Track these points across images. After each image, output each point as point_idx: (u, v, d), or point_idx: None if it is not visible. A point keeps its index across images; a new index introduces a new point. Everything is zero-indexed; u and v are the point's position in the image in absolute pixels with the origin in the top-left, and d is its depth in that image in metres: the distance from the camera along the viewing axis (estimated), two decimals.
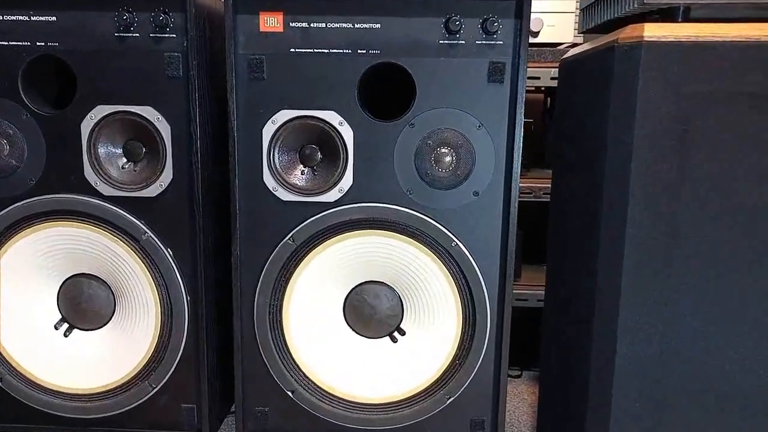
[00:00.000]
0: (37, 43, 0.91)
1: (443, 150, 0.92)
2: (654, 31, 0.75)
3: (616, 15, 0.87)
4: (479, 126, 0.91)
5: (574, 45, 1.55)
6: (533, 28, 1.44)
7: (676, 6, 0.78)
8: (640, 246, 0.79)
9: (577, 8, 1.55)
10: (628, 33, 0.77)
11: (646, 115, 0.76)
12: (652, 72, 0.75)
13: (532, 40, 1.28)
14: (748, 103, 0.75)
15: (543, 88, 1.63)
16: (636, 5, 0.79)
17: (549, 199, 1.38)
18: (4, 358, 1.00)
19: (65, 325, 1.02)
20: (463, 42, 0.89)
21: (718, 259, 0.79)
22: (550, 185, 1.39)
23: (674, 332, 0.81)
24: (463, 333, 0.97)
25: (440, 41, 0.89)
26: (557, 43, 1.52)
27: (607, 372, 0.83)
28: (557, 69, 1.43)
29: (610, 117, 0.78)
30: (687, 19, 0.79)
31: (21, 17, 0.90)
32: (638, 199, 0.78)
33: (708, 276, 0.79)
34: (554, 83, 1.43)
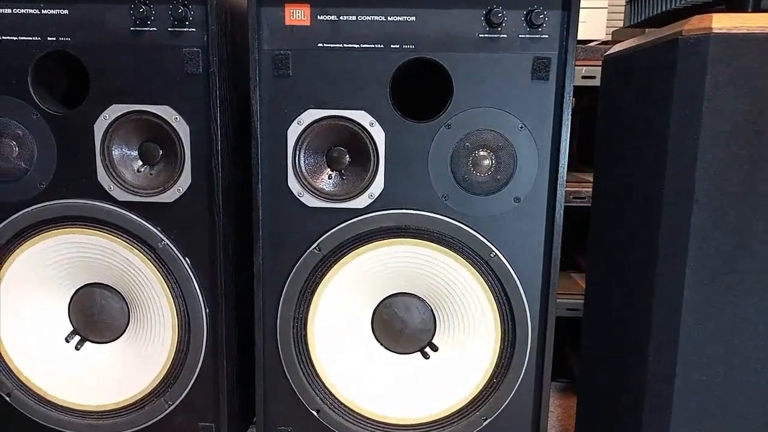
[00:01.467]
0: (48, 38, 0.85)
1: (482, 153, 0.85)
2: (723, 22, 0.68)
3: (674, 6, 0.80)
4: (521, 127, 0.84)
5: (606, 42, 1.48)
6: None
7: None
8: (704, 260, 0.72)
9: (609, 3, 1.48)
10: (694, 24, 0.69)
11: (714, 113, 0.69)
12: (721, 66, 0.68)
13: None
14: None
15: None
16: None
17: (578, 204, 1.32)
18: (12, 372, 0.95)
19: (77, 338, 0.96)
20: (505, 36, 0.82)
21: None
22: (579, 189, 1.33)
23: (741, 356, 0.74)
24: (502, 350, 0.90)
25: (480, 35, 0.82)
26: (588, 40, 1.45)
27: (664, 397, 0.76)
28: (589, 67, 1.37)
29: (673, 116, 0.71)
30: (757, 8, 0.72)
31: (31, 10, 0.84)
32: (703, 207, 0.71)
33: None
34: (585, 82, 1.36)
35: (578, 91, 1.67)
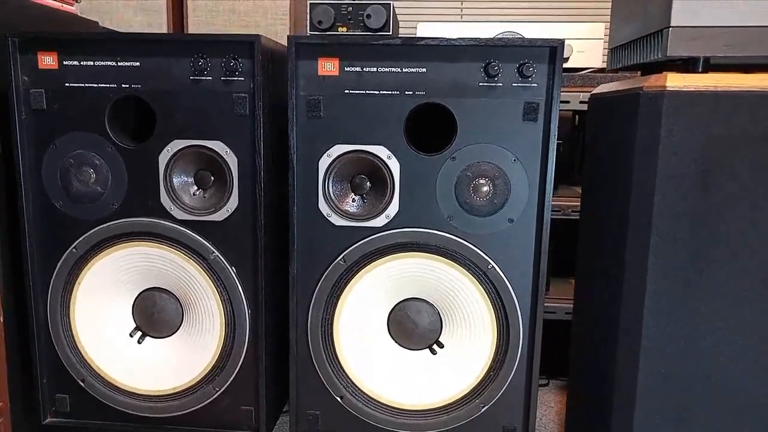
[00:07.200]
0: (123, 85, 1.03)
1: (481, 181, 1.01)
2: (676, 82, 0.83)
3: (641, 61, 0.96)
4: (515, 159, 1.00)
5: (602, 70, 1.63)
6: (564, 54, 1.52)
7: (697, 57, 0.86)
8: (662, 271, 0.87)
9: (606, 35, 1.63)
10: (652, 82, 0.85)
11: (669, 156, 0.85)
12: (673, 118, 0.84)
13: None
14: (764, 146, 0.83)
15: None
16: (660, 56, 0.87)
17: (577, 217, 1.48)
18: (86, 361, 1.13)
19: (138, 333, 1.14)
20: (501, 84, 0.98)
21: (737, 284, 0.87)
22: (577, 204, 1.48)
23: (695, 352, 0.89)
24: (498, 347, 1.06)
25: (480, 83, 0.99)
26: (585, 67, 1.60)
27: (630, 388, 0.91)
28: (584, 93, 1.52)
29: (636, 156, 0.87)
30: (708, 68, 0.87)
31: (110, 63, 1.02)
32: (661, 230, 0.86)
33: (727, 300, 0.87)
34: (583, 107, 1.51)
35: (581, 114, 1.81)
